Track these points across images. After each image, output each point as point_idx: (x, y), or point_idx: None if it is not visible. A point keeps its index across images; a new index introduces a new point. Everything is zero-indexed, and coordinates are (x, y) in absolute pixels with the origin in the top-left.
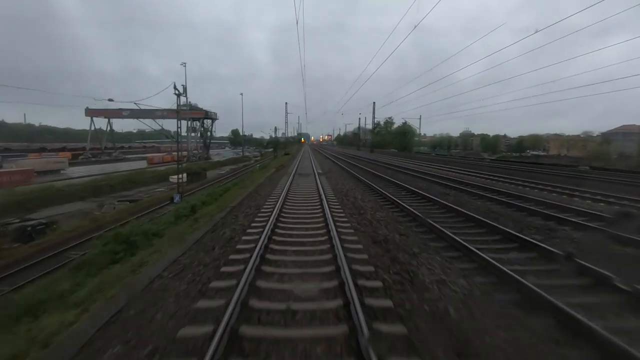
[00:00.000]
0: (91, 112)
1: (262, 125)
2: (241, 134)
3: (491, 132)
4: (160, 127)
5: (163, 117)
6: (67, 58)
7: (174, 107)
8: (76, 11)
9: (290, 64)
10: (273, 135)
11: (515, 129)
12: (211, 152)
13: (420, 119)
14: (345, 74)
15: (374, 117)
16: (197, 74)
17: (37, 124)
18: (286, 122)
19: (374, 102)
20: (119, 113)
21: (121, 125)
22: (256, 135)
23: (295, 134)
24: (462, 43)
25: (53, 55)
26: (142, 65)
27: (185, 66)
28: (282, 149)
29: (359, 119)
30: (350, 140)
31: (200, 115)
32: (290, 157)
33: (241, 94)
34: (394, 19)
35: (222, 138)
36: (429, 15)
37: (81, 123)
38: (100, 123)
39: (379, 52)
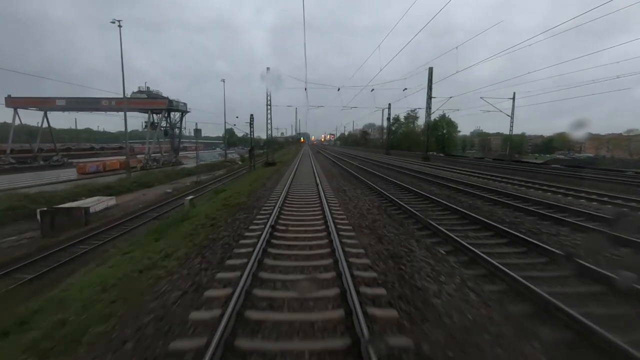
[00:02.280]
0: (13, 102)
1: (261, 124)
2: (226, 129)
3: (493, 131)
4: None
5: (111, 109)
6: (55, 56)
7: (140, 96)
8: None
9: (291, 61)
10: (247, 133)
11: (519, 129)
12: (189, 154)
13: (514, 98)
14: (348, 71)
15: (430, 97)
16: (196, 73)
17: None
18: (268, 105)
19: (431, 68)
20: (52, 102)
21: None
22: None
23: (294, 132)
24: (474, 40)
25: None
26: (138, 62)
27: (120, 26)
28: (276, 151)
29: (389, 105)
30: (357, 140)
31: (161, 106)
32: (275, 172)
33: (222, 80)
34: (398, 15)
35: (218, 138)
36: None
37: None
38: (90, 122)
39: (385, 49)
